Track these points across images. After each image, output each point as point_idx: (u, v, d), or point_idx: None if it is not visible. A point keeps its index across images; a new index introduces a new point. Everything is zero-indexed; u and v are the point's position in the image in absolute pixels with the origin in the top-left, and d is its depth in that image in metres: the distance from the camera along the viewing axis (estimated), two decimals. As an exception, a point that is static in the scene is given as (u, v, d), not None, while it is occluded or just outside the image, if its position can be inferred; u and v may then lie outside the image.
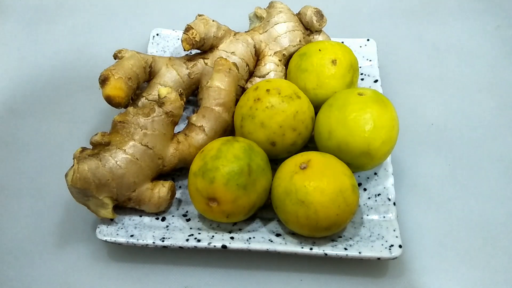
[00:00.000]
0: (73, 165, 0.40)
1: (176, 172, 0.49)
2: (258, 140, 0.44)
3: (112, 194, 0.42)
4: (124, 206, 0.44)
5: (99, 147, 0.42)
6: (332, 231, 0.41)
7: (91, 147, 0.44)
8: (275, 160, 0.47)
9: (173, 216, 0.46)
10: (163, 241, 0.42)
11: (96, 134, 0.43)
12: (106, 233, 0.43)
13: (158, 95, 0.45)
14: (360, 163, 0.44)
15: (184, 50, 0.49)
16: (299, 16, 0.54)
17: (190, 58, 0.51)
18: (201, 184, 0.41)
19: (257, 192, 0.42)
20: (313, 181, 0.40)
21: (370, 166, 0.45)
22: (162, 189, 0.44)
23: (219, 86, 0.47)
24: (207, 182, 0.40)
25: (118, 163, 0.42)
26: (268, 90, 0.45)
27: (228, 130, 0.48)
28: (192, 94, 0.53)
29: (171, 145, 0.44)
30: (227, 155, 0.41)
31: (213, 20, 0.51)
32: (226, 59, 0.48)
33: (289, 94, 0.45)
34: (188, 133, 0.46)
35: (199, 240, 0.42)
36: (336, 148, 0.43)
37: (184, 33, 0.49)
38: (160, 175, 0.46)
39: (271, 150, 0.45)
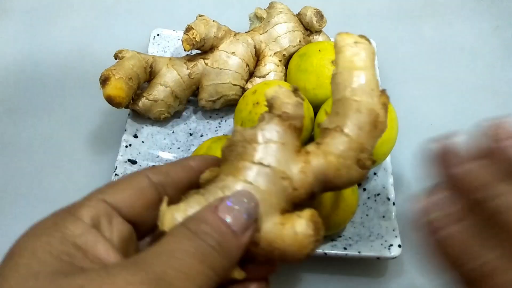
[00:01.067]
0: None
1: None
2: (258, 141, 0.45)
3: None
4: (255, 262, 0.29)
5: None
6: (331, 231, 0.41)
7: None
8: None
9: (173, 215, 0.46)
10: (163, 240, 0.42)
11: (204, 172, 0.31)
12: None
13: (266, 100, 0.31)
14: (360, 163, 0.44)
15: (185, 50, 0.49)
16: (299, 17, 0.54)
17: (190, 58, 0.52)
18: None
19: None
20: (313, 181, 0.40)
21: (370, 166, 0.45)
22: (298, 221, 0.28)
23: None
24: None
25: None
26: (267, 92, 0.45)
27: (381, 122, 0.31)
28: (192, 94, 0.53)
29: (297, 158, 0.30)
30: (216, 153, 0.41)
31: (213, 21, 0.51)
32: (348, 32, 0.34)
33: (288, 95, 0.45)
34: (320, 141, 0.31)
35: (199, 240, 0.42)
36: (335, 148, 0.43)
37: (184, 33, 0.49)
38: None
39: (271, 150, 0.45)
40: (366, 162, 0.30)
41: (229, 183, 0.28)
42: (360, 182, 0.39)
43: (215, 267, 0.23)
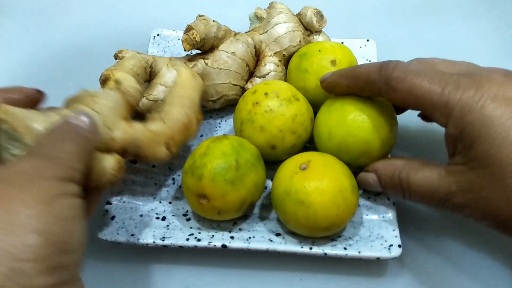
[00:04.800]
0: None
1: (177, 173, 0.49)
2: (258, 144, 0.45)
3: None
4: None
5: None
6: (331, 231, 0.42)
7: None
8: (275, 161, 0.47)
9: (173, 215, 0.46)
10: (163, 240, 0.42)
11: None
12: (107, 232, 0.43)
13: (116, 80, 0.42)
14: (360, 164, 0.44)
15: (185, 50, 0.49)
16: (299, 17, 0.54)
17: (190, 59, 0.52)
18: (191, 181, 0.41)
19: (246, 187, 0.42)
20: (313, 181, 0.40)
21: (370, 166, 0.45)
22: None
23: None
24: (196, 179, 0.41)
25: None
26: (266, 94, 0.45)
27: (193, 129, 0.44)
28: (192, 94, 0.53)
29: (122, 122, 0.40)
30: (214, 152, 0.41)
31: (213, 21, 0.51)
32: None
33: (287, 97, 0.45)
34: (147, 121, 0.43)
35: (199, 240, 0.42)
36: (336, 148, 0.43)
37: (184, 33, 0.49)
38: None
39: (271, 153, 0.45)
40: (171, 147, 0.42)
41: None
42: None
43: None
